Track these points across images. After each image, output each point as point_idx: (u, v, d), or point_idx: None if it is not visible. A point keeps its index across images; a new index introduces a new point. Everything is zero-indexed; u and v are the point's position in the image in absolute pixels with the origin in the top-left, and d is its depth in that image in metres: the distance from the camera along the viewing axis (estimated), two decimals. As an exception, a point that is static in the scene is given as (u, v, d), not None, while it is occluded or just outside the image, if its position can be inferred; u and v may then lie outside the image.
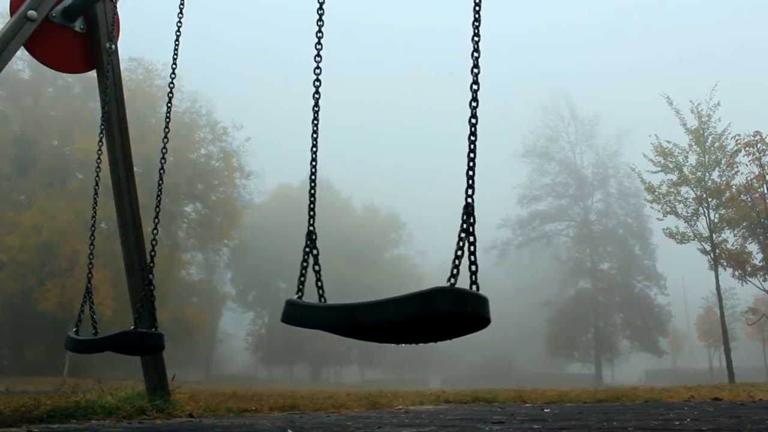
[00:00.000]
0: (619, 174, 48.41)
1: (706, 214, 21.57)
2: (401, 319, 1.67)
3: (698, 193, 21.70)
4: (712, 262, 21.40)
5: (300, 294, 2.09)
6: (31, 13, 3.85)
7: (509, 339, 53.27)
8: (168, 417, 3.96)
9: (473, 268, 1.71)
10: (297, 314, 1.99)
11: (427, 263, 61.70)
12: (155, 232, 3.45)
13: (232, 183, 39.12)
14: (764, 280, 21.69)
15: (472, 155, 1.86)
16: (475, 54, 1.93)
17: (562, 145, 50.62)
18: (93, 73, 4.53)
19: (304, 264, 2.12)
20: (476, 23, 1.95)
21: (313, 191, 2.32)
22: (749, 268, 21.54)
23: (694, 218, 21.71)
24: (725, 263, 21.54)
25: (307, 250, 2.15)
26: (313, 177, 2.33)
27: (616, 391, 8.18)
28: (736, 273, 21.66)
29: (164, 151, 3.57)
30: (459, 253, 1.71)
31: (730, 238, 21.93)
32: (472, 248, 1.72)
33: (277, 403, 5.35)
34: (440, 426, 3.25)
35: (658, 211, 22.43)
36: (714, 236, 21.36)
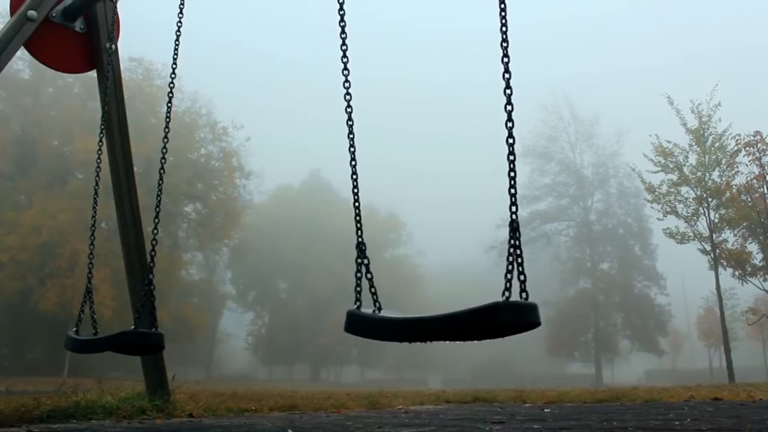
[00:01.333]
0: (619, 174, 48.46)
1: (706, 214, 21.58)
2: (465, 333, 1.85)
3: (698, 193, 21.70)
4: (712, 262, 21.41)
5: (359, 304, 2.18)
6: (31, 13, 3.85)
7: (509, 339, 52.95)
8: (168, 417, 3.96)
9: (522, 278, 1.83)
10: (360, 326, 2.11)
11: (427, 263, 61.81)
12: (155, 232, 3.45)
13: (232, 183, 39.12)
14: (764, 280, 21.69)
15: (512, 174, 1.94)
16: (506, 75, 1.98)
17: (562, 145, 50.68)
18: (93, 73, 4.53)
19: (358, 274, 2.19)
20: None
21: (357, 204, 2.40)
22: (749, 268, 21.54)
23: (694, 218, 21.72)
24: (725, 263, 21.54)
25: (359, 260, 2.22)
26: (355, 190, 2.41)
27: (616, 391, 8.17)
28: (736, 273, 21.66)
29: (164, 151, 3.57)
30: (510, 267, 1.83)
31: (730, 238, 21.96)
32: (519, 260, 1.84)
33: (277, 403, 5.35)
34: (440, 426, 3.25)
35: (658, 211, 22.45)
36: (714, 236, 21.36)
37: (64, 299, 27.99)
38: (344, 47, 2.50)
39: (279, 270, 55.18)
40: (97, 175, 3.96)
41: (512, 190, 1.92)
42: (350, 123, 2.44)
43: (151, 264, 3.46)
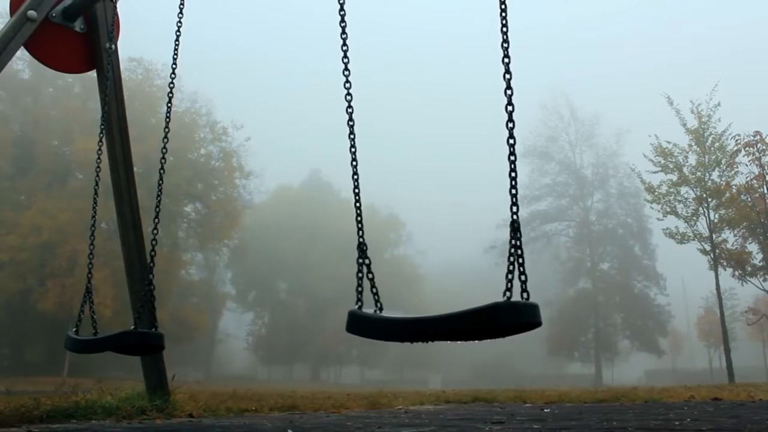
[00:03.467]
0: (619, 174, 48.45)
1: (706, 214, 21.57)
2: (466, 333, 1.85)
3: (698, 193, 21.69)
4: (712, 262, 21.39)
5: (360, 304, 2.18)
6: (31, 13, 3.85)
7: (509, 339, 52.85)
8: (168, 417, 3.96)
9: (523, 278, 1.84)
10: (362, 326, 2.11)
11: (427, 263, 61.81)
12: (155, 232, 3.45)
13: (231, 183, 39.11)
14: (764, 280, 21.68)
15: (513, 174, 1.94)
16: (507, 76, 1.99)
17: (562, 145, 50.68)
18: (93, 73, 4.53)
19: (359, 275, 2.20)
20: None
21: (358, 204, 2.39)
22: (749, 268, 21.52)
23: (694, 218, 21.70)
24: (725, 263, 21.53)
25: (360, 261, 2.22)
26: (356, 191, 2.40)
27: (616, 391, 8.17)
28: (736, 273, 21.64)
29: (164, 151, 3.57)
30: (511, 267, 1.84)
31: (730, 238, 21.93)
32: (521, 260, 1.84)
33: (277, 403, 5.35)
34: (440, 426, 3.25)
35: (658, 211, 22.43)
36: (714, 236, 21.35)
37: (64, 299, 27.98)
38: (345, 47, 2.50)
39: (279, 270, 55.18)
40: (97, 175, 3.96)
41: (513, 191, 1.92)
42: (351, 123, 2.45)
43: (151, 264, 3.46)
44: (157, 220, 3.49)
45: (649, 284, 47.23)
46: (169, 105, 3.76)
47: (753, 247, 21.78)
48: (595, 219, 49.76)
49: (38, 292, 29.48)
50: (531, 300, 1.82)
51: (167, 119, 3.67)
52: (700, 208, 21.64)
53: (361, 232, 2.31)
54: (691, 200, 21.82)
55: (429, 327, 1.90)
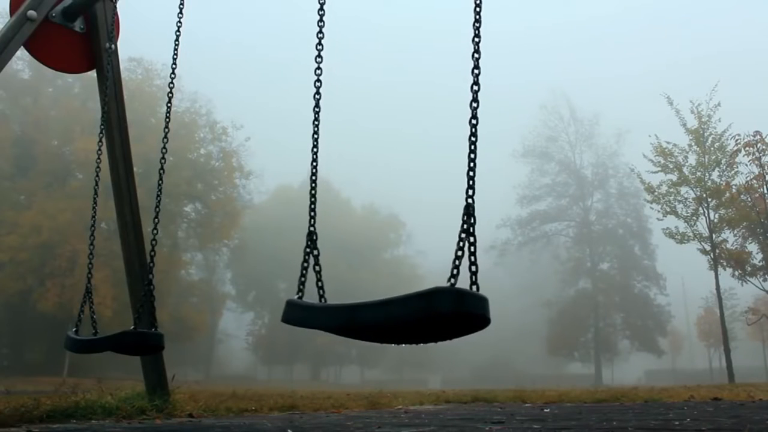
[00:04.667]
0: (619, 174, 48.46)
1: (706, 214, 21.57)
2: (401, 319, 1.68)
3: (698, 193, 21.69)
4: (712, 262, 21.39)
5: (300, 294, 2.11)
6: (31, 13, 3.85)
7: (509, 339, 53.29)
8: (168, 417, 3.96)
9: (473, 268, 1.71)
10: (297, 315, 2.01)
11: (426, 263, 61.72)
12: (155, 232, 3.45)
13: (231, 183, 39.10)
14: (764, 280, 21.67)
15: (472, 155, 1.86)
16: (476, 55, 1.93)
17: (562, 145, 50.69)
18: (93, 73, 4.53)
19: (305, 264, 2.13)
20: (477, 24, 1.96)
21: (313, 191, 2.33)
22: (749, 268, 21.52)
23: (694, 218, 21.70)
24: (725, 263, 21.52)
25: (308, 250, 2.16)
26: (313, 177, 2.34)
27: (615, 391, 8.18)
28: (736, 273, 21.64)
29: (164, 151, 3.57)
30: (459, 253, 1.71)
31: (730, 238, 21.93)
32: (472, 248, 1.72)
33: (277, 403, 5.35)
34: (440, 426, 3.25)
35: (658, 211, 22.42)
36: (714, 236, 21.35)
37: (64, 299, 27.98)
38: (320, 47, 2.47)
39: (279, 270, 55.12)
40: (97, 175, 3.96)
41: (471, 173, 1.84)
42: (317, 110, 2.43)
43: (151, 264, 3.46)
44: (157, 220, 3.49)
45: (649, 284, 47.25)
46: (169, 105, 3.76)
47: (753, 247, 21.79)
48: (595, 219, 49.78)
49: (38, 292, 29.46)
50: (482, 293, 1.68)
51: (167, 119, 3.67)
52: (700, 208, 21.64)
53: (312, 221, 2.25)
54: (691, 200, 21.82)
55: (364, 313, 1.77)
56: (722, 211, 21.63)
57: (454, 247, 1.73)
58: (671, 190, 22.13)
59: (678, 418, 3.54)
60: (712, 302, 37.70)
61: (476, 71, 1.92)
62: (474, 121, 1.88)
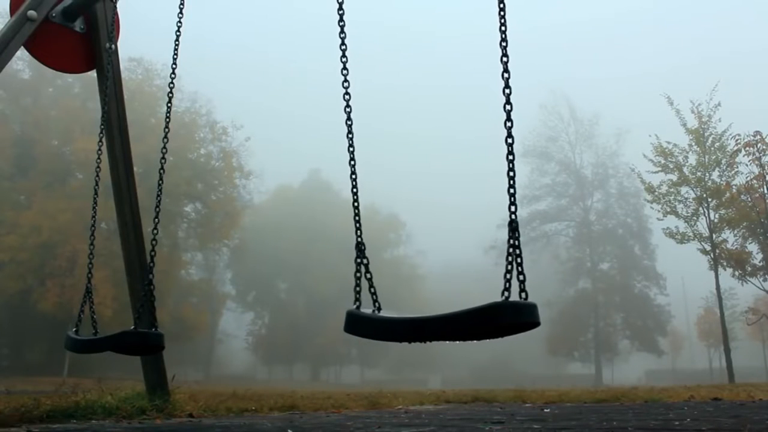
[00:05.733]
0: (619, 174, 48.47)
1: (706, 214, 21.57)
2: (465, 333, 1.85)
3: (698, 193, 21.69)
4: (712, 262, 21.39)
5: (358, 304, 2.17)
6: (31, 13, 3.85)
7: (509, 339, 52.89)
8: (168, 417, 3.96)
9: (521, 278, 1.84)
10: (362, 326, 2.11)
11: (426, 263, 61.78)
12: (155, 232, 3.45)
13: (231, 183, 39.11)
14: (764, 280, 21.67)
15: (511, 173, 1.94)
16: (505, 75, 1.99)
17: (562, 145, 50.69)
18: (93, 73, 4.53)
19: (357, 274, 2.21)
20: (503, 43, 2.01)
21: (356, 203, 2.41)
22: (749, 268, 21.51)
23: (694, 218, 21.70)
24: (725, 263, 21.52)
25: (358, 260, 2.23)
26: (355, 190, 2.41)
27: (616, 391, 8.18)
28: (736, 273, 21.64)
29: (164, 151, 3.57)
30: (509, 267, 1.84)
31: (730, 238, 21.92)
32: (519, 260, 1.84)
33: (277, 403, 5.35)
34: (440, 426, 3.25)
35: (658, 211, 22.42)
36: (714, 236, 21.35)
37: (64, 299, 27.98)
38: (343, 47, 2.50)
39: (279, 270, 55.15)
40: (97, 175, 3.96)
41: (511, 190, 1.92)
42: (349, 123, 2.45)
43: (151, 264, 3.46)
44: (157, 220, 3.49)
45: (649, 284, 47.25)
46: (169, 105, 3.76)
47: (753, 247, 21.79)
48: (595, 219, 49.78)
49: (38, 292, 29.46)
50: (529, 300, 1.82)
51: (167, 119, 3.67)
52: (700, 208, 21.64)
53: (359, 231, 2.31)
54: (691, 200, 21.82)
55: (428, 327, 1.90)
56: (722, 211, 21.63)
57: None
58: (671, 190, 22.13)
59: (678, 418, 3.54)
60: (712, 302, 37.72)
61: (507, 91, 1.98)
62: (510, 140, 1.95)
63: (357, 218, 2.37)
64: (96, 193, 3.93)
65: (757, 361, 46.17)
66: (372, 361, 57.05)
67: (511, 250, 1.85)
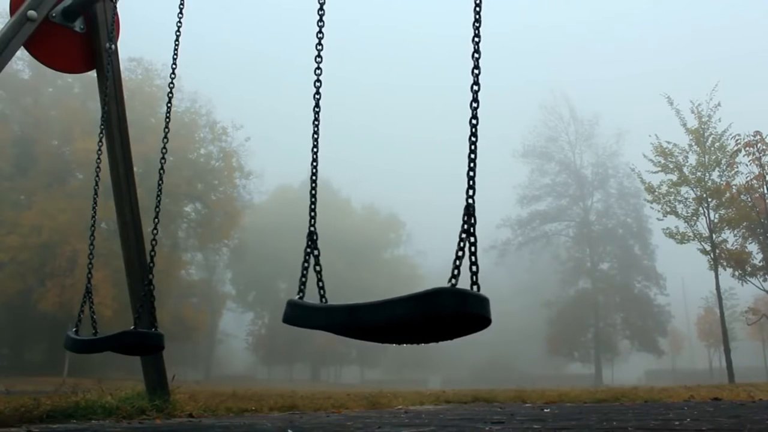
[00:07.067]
0: (619, 174, 48.50)
1: (706, 214, 21.57)
2: (403, 319, 1.67)
3: (698, 193, 21.69)
4: (712, 262, 21.39)
5: (301, 294, 2.10)
6: (31, 13, 3.85)
7: (509, 339, 53.25)
8: (168, 417, 3.96)
9: (474, 268, 1.71)
10: (298, 315, 2.01)
11: (426, 263, 61.74)
12: (155, 232, 3.45)
13: (231, 183, 39.12)
14: (764, 280, 21.68)
15: (472, 156, 1.86)
16: (476, 55, 1.93)
17: (562, 145, 50.73)
18: (93, 73, 4.53)
19: (305, 264, 2.12)
20: (477, 24, 1.96)
21: (314, 191, 2.32)
22: (749, 268, 21.52)
23: (694, 218, 21.70)
24: (725, 263, 21.52)
25: (308, 250, 2.15)
26: (313, 177, 2.33)
27: (616, 391, 8.17)
28: (736, 273, 21.64)
29: (164, 151, 3.57)
30: (460, 253, 1.71)
31: (730, 238, 21.93)
32: (472, 249, 1.72)
33: (277, 403, 5.35)
34: (440, 426, 3.25)
35: (658, 211, 22.43)
36: (714, 236, 21.35)
37: (64, 299, 27.98)
38: (320, 40, 2.47)
39: (279, 270, 55.12)
40: (97, 175, 3.96)
41: (471, 173, 1.83)
42: (317, 110, 2.43)
43: (151, 264, 3.46)
44: (157, 220, 3.49)
45: (649, 284, 47.26)
46: (169, 105, 3.76)
47: (753, 247, 21.80)
48: (595, 219, 49.80)
49: (38, 292, 29.47)
50: (482, 293, 1.68)
51: (167, 119, 3.67)
52: (700, 208, 21.64)
53: (313, 221, 2.24)
54: (691, 200, 21.82)
55: (364, 314, 1.77)
56: (722, 211, 21.64)
57: (455, 247, 1.73)
58: (671, 190, 22.13)
59: (678, 418, 3.54)
60: (712, 302, 37.71)
61: (476, 71, 1.91)
62: (474, 121, 1.88)
63: (313, 207, 2.29)
64: (96, 193, 3.93)
65: (757, 361, 46.17)
66: (372, 361, 57.05)
67: (464, 235, 1.72)
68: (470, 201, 1.77)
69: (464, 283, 1.69)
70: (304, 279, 2.12)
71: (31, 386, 13.75)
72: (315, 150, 2.40)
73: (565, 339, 46.39)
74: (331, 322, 1.91)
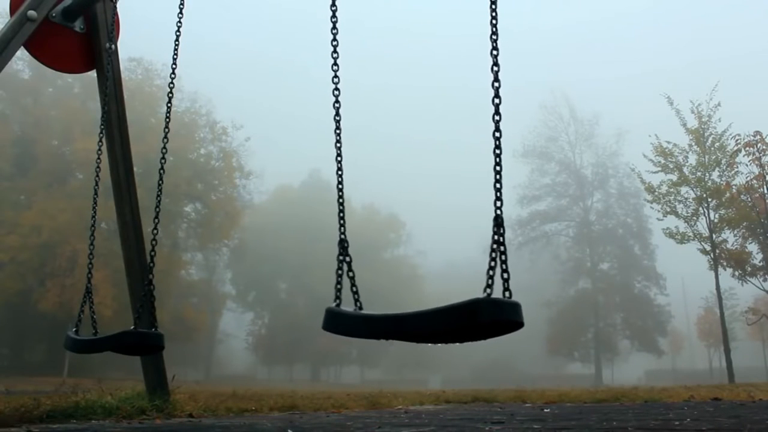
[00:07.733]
0: (619, 174, 48.50)
1: (706, 214, 21.57)
2: (444, 329, 1.78)
3: (698, 193, 21.69)
4: (712, 262, 21.39)
5: (338, 302, 2.14)
6: (31, 13, 3.85)
7: (509, 339, 52.66)
8: (168, 417, 3.96)
9: (505, 275, 1.79)
10: (340, 323, 2.07)
11: (426, 263, 61.80)
12: (155, 232, 3.45)
13: (231, 183, 39.13)
14: (764, 280, 21.68)
15: (498, 168, 1.90)
16: (495, 68, 1.95)
17: (562, 145, 50.72)
18: (93, 73, 4.53)
19: (339, 272, 2.16)
20: (494, 36, 1.98)
21: (341, 200, 2.35)
22: (749, 268, 21.52)
23: (694, 218, 21.70)
24: (725, 263, 21.53)
25: (341, 258, 2.18)
26: (340, 186, 2.36)
27: (616, 391, 8.18)
28: (736, 273, 21.65)
29: (164, 151, 3.56)
30: (492, 264, 1.78)
31: (730, 238, 21.94)
32: (503, 257, 1.79)
33: (277, 403, 5.35)
34: (440, 426, 3.25)
35: (658, 211, 22.43)
36: (714, 236, 21.35)
37: (64, 299, 27.98)
38: (335, 42, 2.48)
39: (279, 270, 55.15)
40: (97, 175, 3.96)
41: (497, 185, 1.88)
42: (338, 119, 2.43)
43: (151, 264, 3.46)
44: (157, 220, 3.49)
45: (649, 284, 47.26)
46: (169, 105, 3.75)
47: (753, 247, 21.80)
48: (595, 219, 49.80)
49: (38, 292, 29.47)
50: (517, 299, 1.76)
51: (167, 119, 3.66)
52: (700, 208, 21.64)
53: (342, 228, 2.25)
54: (691, 200, 21.83)
55: (407, 323, 1.85)
56: (722, 211, 21.64)
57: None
58: (671, 190, 22.13)
59: (678, 418, 3.54)
60: (712, 302, 37.72)
61: (496, 84, 1.94)
62: (497, 134, 1.91)
63: (341, 215, 2.30)
64: (96, 193, 3.92)
65: (757, 361, 46.17)
66: (372, 361, 57.05)
67: (495, 246, 1.79)
68: (498, 212, 1.84)
69: (489, 286, 1.76)
70: (339, 286, 2.15)
71: (31, 386, 13.76)
72: (339, 159, 2.40)
73: (565, 339, 46.39)
74: (374, 332, 1.97)
